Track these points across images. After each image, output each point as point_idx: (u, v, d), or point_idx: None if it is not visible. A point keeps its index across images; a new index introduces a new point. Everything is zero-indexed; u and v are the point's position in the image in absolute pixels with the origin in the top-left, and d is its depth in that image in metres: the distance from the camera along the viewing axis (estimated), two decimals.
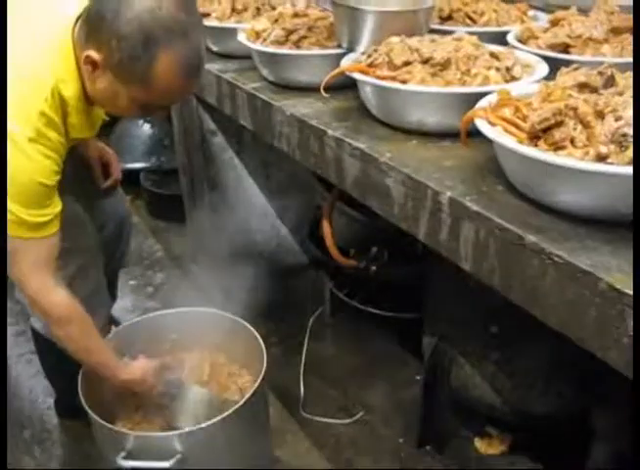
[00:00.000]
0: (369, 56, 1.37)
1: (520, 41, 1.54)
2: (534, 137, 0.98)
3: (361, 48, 1.44)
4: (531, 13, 1.82)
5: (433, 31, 1.57)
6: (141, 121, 3.29)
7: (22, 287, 1.35)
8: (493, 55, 1.31)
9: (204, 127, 2.15)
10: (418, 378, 1.98)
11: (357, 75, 1.28)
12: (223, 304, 1.84)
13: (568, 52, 1.41)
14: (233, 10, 1.94)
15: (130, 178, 3.17)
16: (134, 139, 3.26)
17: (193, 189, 2.33)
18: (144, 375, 1.52)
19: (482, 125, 1.02)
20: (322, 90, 1.36)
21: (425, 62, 1.27)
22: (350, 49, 1.47)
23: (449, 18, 1.74)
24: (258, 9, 1.93)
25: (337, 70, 1.32)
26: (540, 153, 0.92)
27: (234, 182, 2.29)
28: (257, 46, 1.56)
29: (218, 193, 2.29)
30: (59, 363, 1.62)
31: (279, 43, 1.58)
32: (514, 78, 1.28)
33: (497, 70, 1.27)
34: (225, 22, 1.90)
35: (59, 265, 1.38)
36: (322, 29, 1.58)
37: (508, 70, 1.28)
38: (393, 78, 1.26)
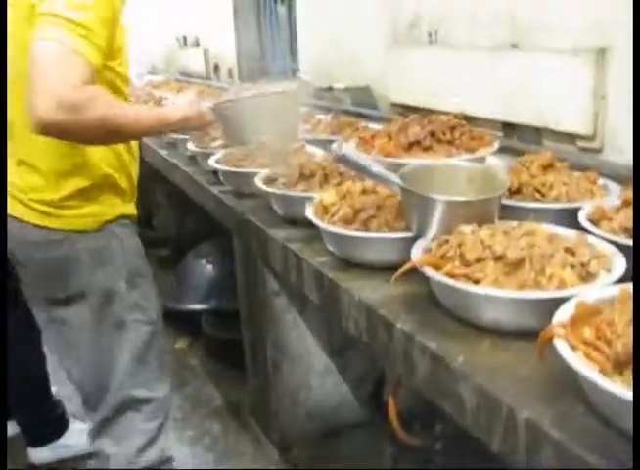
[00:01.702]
0: (440, 245, 1.35)
1: (591, 222, 1.51)
2: (619, 365, 0.93)
3: (430, 234, 1.43)
4: (601, 181, 1.80)
5: (502, 206, 1.56)
6: (203, 261, 3.35)
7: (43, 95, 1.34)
8: (568, 249, 1.27)
9: (267, 288, 2.16)
10: None
11: (430, 272, 1.26)
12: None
13: None
14: (301, 175, 1.98)
15: (191, 320, 3.21)
16: (195, 279, 3.30)
17: (254, 347, 2.31)
18: (192, 103, 1.64)
19: (563, 349, 0.98)
20: (393, 281, 1.33)
21: (498, 259, 1.24)
22: (419, 234, 1.46)
23: (518, 191, 1.73)
24: (326, 175, 1.96)
25: (407, 266, 1.31)
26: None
27: (296, 341, 2.27)
28: (325, 225, 1.57)
29: (279, 350, 2.27)
30: None
31: (346, 222, 1.58)
32: (590, 275, 1.24)
33: (572, 267, 1.24)
34: (292, 188, 1.93)
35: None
36: (391, 209, 1.58)
37: (584, 266, 1.25)
38: (466, 277, 1.24)
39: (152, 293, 1.79)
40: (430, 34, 2.46)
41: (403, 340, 1.30)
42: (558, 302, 1.11)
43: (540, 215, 1.63)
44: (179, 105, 1.67)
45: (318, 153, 2.37)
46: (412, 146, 1.74)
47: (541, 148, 2.10)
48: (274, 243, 1.89)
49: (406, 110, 2.74)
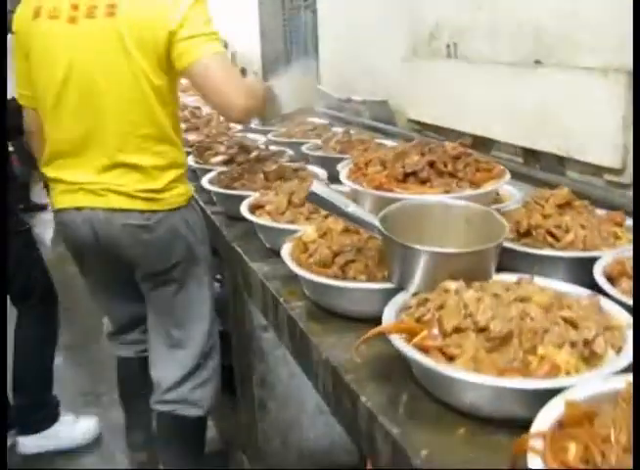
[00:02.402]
0: (419, 304, 1.14)
1: (609, 278, 1.28)
2: None
3: (412, 288, 1.22)
4: (628, 223, 1.56)
5: (505, 251, 1.34)
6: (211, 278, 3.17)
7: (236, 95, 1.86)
8: (569, 321, 1.05)
9: (254, 322, 1.97)
10: None
11: (398, 343, 1.05)
12: None
13: None
14: (289, 203, 1.79)
15: None
16: None
17: (243, 382, 2.13)
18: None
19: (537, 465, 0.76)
20: (355, 348, 1.13)
21: (480, 331, 1.03)
22: (401, 286, 1.25)
23: (528, 233, 1.50)
24: None
25: (375, 331, 1.10)
26: None
27: (286, 379, 2.08)
28: (301, 271, 1.37)
29: (267, 387, 2.08)
30: None
31: (324, 265, 1.38)
32: (594, 356, 1.01)
33: (573, 345, 1.01)
34: (278, 217, 1.74)
35: None
36: (374, 252, 1.37)
37: (587, 343, 1.02)
38: (441, 351, 1.03)
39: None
40: (448, 46, 2.24)
41: (366, 417, 1.09)
42: (548, 394, 0.89)
43: (550, 265, 1.41)
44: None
45: (320, 174, 2.18)
46: (408, 177, 1.53)
47: (565, 178, 1.87)
48: (255, 278, 1.70)
49: (423, 127, 2.52)
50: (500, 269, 1.28)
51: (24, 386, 2.71)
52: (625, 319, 1.10)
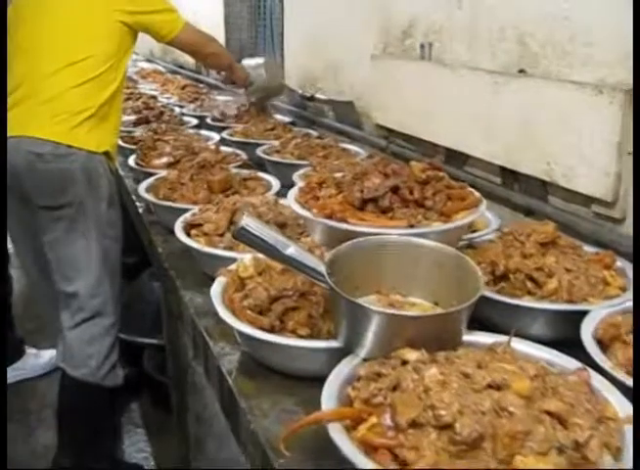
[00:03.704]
0: (369, 380, 0.91)
1: (601, 343, 1.07)
2: None
3: (363, 353, 0.99)
4: (619, 264, 1.34)
5: (482, 299, 1.11)
6: (156, 285, 2.90)
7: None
8: (555, 415, 0.83)
9: (189, 354, 1.72)
10: None
11: (337, 437, 0.82)
12: None
13: None
14: (231, 223, 1.54)
15: (132, 354, 2.77)
16: (144, 306, 2.84)
17: (179, 417, 1.89)
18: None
19: None
20: (281, 442, 0.89)
21: (443, 428, 0.80)
22: (348, 349, 1.01)
23: (504, 277, 1.28)
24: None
25: (311, 418, 0.86)
26: None
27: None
28: (228, 317, 1.13)
29: (203, 424, 1.84)
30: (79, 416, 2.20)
31: (260, 310, 1.14)
32: (586, 462, 0.79)
33: (560, 450, 0.79)
34: (216, 240, 1.50)
35: None
36: (319, 298, 1.14)
37: (578, 447, 0.80)
38: (391, 452, 0.79)
39: (120, 215, 2.25)
40: (422, 46, 2.00)
41: None
42: None
43: (529, 317, 1.19)
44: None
45: (272, 185, 1.93)
46: (367, 204, 1.29)
47: (548, 206, 1.65)
48: (186, 311, 1.45)
49: (391, 134, 2.29)
50: (472, 316, 1.05)
51: None
52: (622, 408, 0.88)
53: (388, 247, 1.14)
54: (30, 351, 3.19)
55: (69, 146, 2.06)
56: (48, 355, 3.16)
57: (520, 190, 1.76)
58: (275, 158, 2.25)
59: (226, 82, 2.86)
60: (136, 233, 2.30)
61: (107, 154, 2.18)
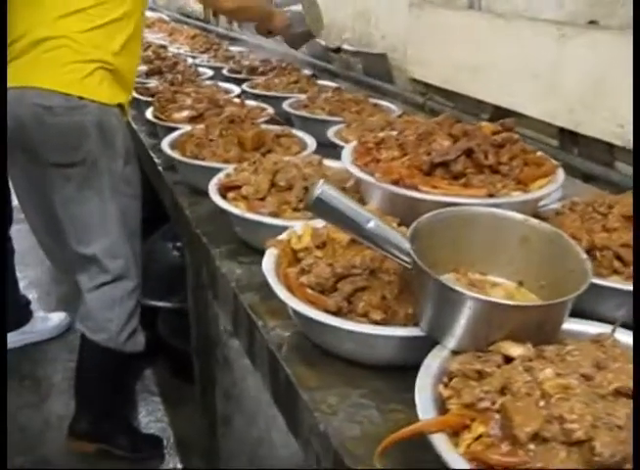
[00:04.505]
0: (466, 377, 0.78)
1: None
2: None
3: (452, 344, 0.86)
4: None
5: None
6: (170, 245, 2.77)
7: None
8: None
9: (219, 326, 1.59)
10: None
11: (443, 450, 0.69)
12: None
13: None
14: (272, 185, 1.40)
15: (145, 319, 2.64)
16: (157, 267, 2.70)
17: (205, 394, 1.77)
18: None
19: None
20: (376, 457, 0.76)
21: (575, 444, 0.67)
22: (434, 337, 0.88)
23: (588, 255, 1.14)
24: (307, 189, 1.37)
25: (410, 429, 0.73)
26: None
27: (255, 391, 1.72)
28: (286, 297, 0.99)
29: (232, 401, 1.73)
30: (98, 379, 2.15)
31: (324, 289, 1.01)
32: None
33: None
34: (258, 205, 1.35)
35: None
36: (393, 277, 1.00)
37: None
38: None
39: (138, 171, 2.10)
40: None
41: None
42: None
43: (617, 299, 1.06)
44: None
45: (307, 143, 1.78)
46: (435, 169, 1.15)
47: (615, 173, 1.51)
48: (224, 284, 1.32)
49: (429, 90, 2.13)
50: None
51: None
52: None
53: (469, 219, 1.00)
54: (38, 314, 3.09)
55: (81, 97, 1.88)
56: (57, 318, 3.09)
57: (579, 154, 1.61)
58: (304, 112, 2.09)
59: (261, 32, 2.44)
60: (147, 189, 2.16)
61: (120, 106, 2.01)
